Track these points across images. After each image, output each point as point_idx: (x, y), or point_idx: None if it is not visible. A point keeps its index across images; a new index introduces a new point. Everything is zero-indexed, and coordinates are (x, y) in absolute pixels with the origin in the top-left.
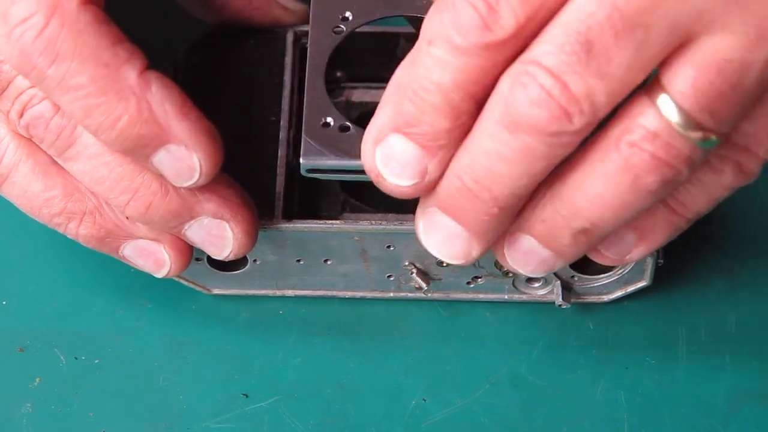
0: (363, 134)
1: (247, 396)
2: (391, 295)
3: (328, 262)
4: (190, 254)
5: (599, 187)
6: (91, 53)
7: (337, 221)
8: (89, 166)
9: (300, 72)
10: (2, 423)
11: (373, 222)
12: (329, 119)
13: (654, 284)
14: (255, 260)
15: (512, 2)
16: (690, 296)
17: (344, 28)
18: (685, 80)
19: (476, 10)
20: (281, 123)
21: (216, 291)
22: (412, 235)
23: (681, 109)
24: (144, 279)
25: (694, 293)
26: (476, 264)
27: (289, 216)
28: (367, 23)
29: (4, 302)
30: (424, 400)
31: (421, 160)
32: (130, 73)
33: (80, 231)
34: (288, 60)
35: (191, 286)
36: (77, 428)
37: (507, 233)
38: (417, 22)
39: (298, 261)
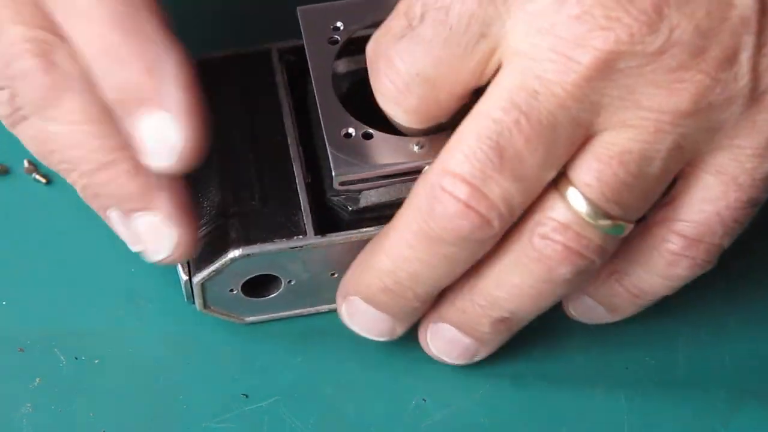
0: (387, 138)
1: (247, 396)
2: None
3: None
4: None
5: (516, 278)
6: None
7: (372, 228)
8: (67, 130)
9: (291, 88)
10: (2, 423)
11: None
12: (350, 129)
13: None
14: (290, 281)
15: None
16: (690, 296)
17: (339, 38)
18: (590, 173)
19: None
20: (289, 140)
21: (250, 319)
22: None
23: (588, 201)
24: (144, 279)
25: (694, 293)
26: None
27: (319, 231)
28: (361, 28)
29: (4, 302)
30: (424, 400)
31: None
32: (159, 31)
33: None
34: (279, 78)
35: (224, 318)
36: (77, 428)
37: (429, 323)
38: None
39: (333, 275)
